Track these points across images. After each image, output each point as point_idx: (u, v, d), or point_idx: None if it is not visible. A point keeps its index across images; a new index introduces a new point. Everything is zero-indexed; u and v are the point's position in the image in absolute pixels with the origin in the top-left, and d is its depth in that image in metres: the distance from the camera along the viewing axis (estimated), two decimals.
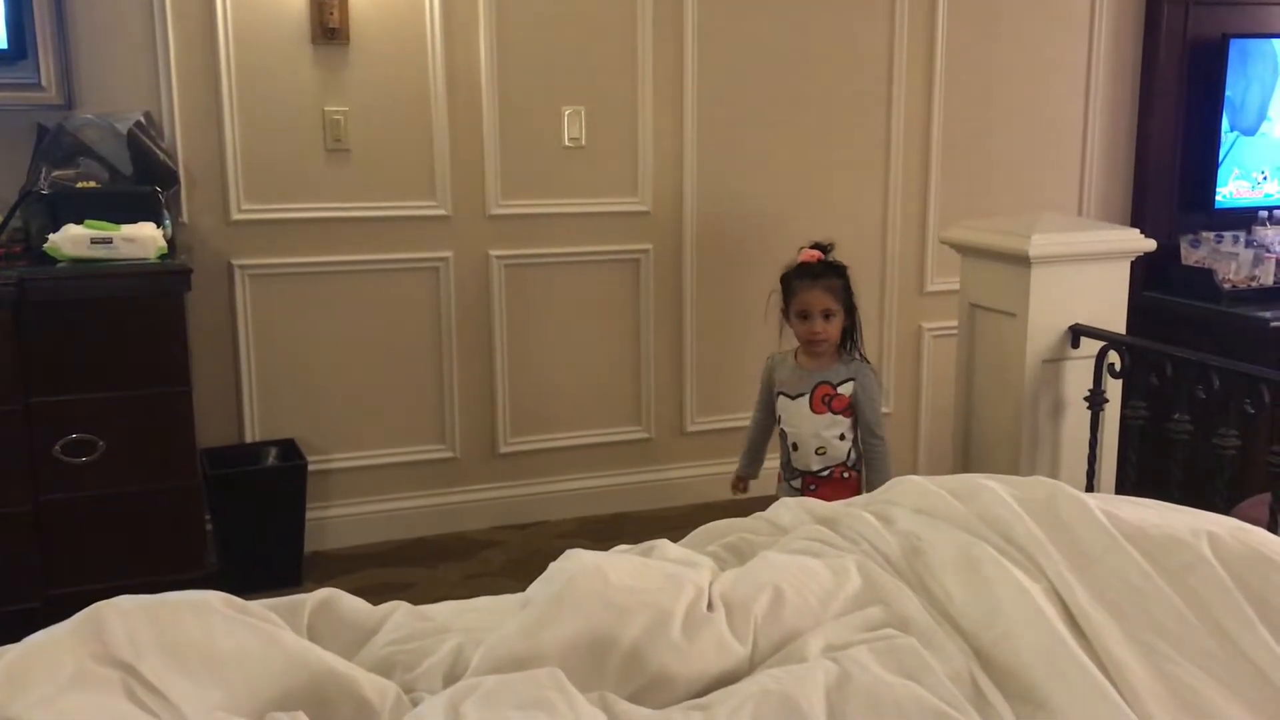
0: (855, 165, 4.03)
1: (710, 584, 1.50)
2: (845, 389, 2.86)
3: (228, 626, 1.24)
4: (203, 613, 1.25)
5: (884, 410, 3.05)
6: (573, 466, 3.88)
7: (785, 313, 2.90)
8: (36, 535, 2.87)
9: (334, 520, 3.61)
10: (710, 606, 1.45)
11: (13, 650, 1.23)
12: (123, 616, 1.24)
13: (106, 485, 2.91)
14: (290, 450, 3.48)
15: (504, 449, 3.80)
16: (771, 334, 2.98)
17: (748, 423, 3.11)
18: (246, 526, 3.29)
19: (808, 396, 2.87)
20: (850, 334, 2.91)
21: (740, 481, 3.11)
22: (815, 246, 2.91)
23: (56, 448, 2.86)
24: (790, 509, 1.83)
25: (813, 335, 2.85)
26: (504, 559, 3.57)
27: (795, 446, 2.90)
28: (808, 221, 3.95)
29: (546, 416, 3.83)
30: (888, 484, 1.88)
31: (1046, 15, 4.19)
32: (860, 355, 2.92)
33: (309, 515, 3.44)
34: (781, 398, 2.92)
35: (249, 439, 3.50)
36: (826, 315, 2.84)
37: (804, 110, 3.93)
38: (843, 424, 2.87)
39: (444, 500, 3.75)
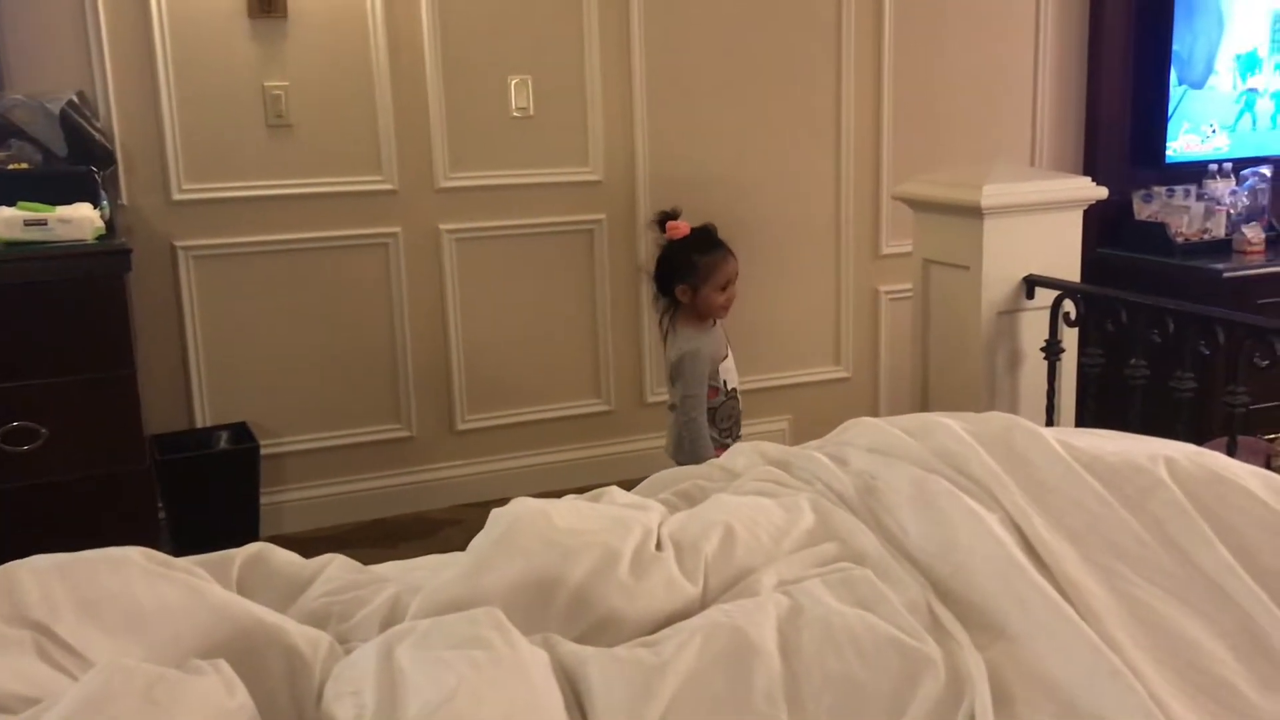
0: (807, 126, 3.98)
1: (659, 525, 1.45)
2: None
3: (148, 581, 1.19)
4: (121, 568, 1.20)
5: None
6: (532, 442, 3.83)
7: (693, 288, 2.86)
8: None
9: (290, 504, 3.54)
10: (659, 547, 1.41)
11: None
12: (36, 575, 1.18)
13: (52, 474, 2.81)
14: (243, 433, 3.40)
15: (462, 426, 3.74)
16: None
17: None
18: (200, 512, 3.21)
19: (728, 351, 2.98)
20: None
21: None
22: (672, 215, 2.93)
23: None
24: (744, 454, 1.79)
25: (730, 301, 2.92)
26: (465, 537, 3.44)
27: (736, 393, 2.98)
28: (761, 186, 3.93)
29: (504, 392, 3.78)
30: (843, 425, 1.85)
31: None
32: None
33: (264, 500, 3.37)
34: (722, 365, 2.93)
35: (200, 424, 3.42)
36: None
37: (753, 72, 3.88)
38: None
39: (402, 480, 3.68)
